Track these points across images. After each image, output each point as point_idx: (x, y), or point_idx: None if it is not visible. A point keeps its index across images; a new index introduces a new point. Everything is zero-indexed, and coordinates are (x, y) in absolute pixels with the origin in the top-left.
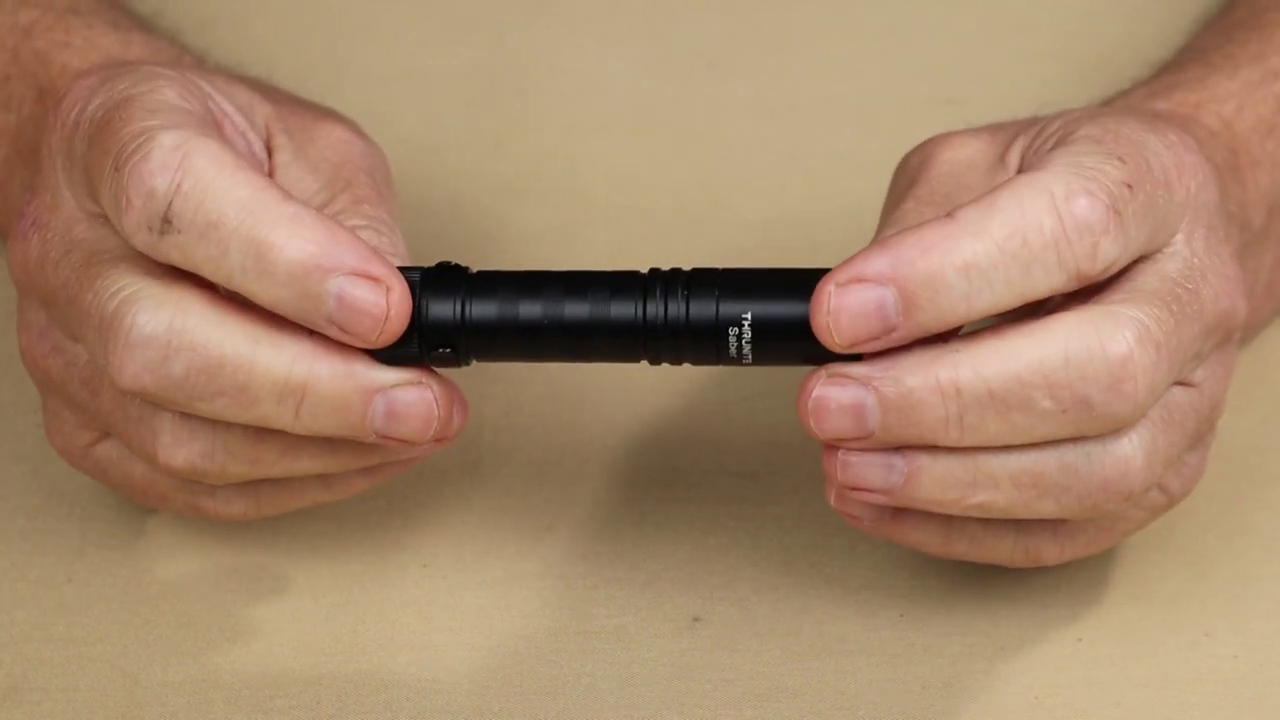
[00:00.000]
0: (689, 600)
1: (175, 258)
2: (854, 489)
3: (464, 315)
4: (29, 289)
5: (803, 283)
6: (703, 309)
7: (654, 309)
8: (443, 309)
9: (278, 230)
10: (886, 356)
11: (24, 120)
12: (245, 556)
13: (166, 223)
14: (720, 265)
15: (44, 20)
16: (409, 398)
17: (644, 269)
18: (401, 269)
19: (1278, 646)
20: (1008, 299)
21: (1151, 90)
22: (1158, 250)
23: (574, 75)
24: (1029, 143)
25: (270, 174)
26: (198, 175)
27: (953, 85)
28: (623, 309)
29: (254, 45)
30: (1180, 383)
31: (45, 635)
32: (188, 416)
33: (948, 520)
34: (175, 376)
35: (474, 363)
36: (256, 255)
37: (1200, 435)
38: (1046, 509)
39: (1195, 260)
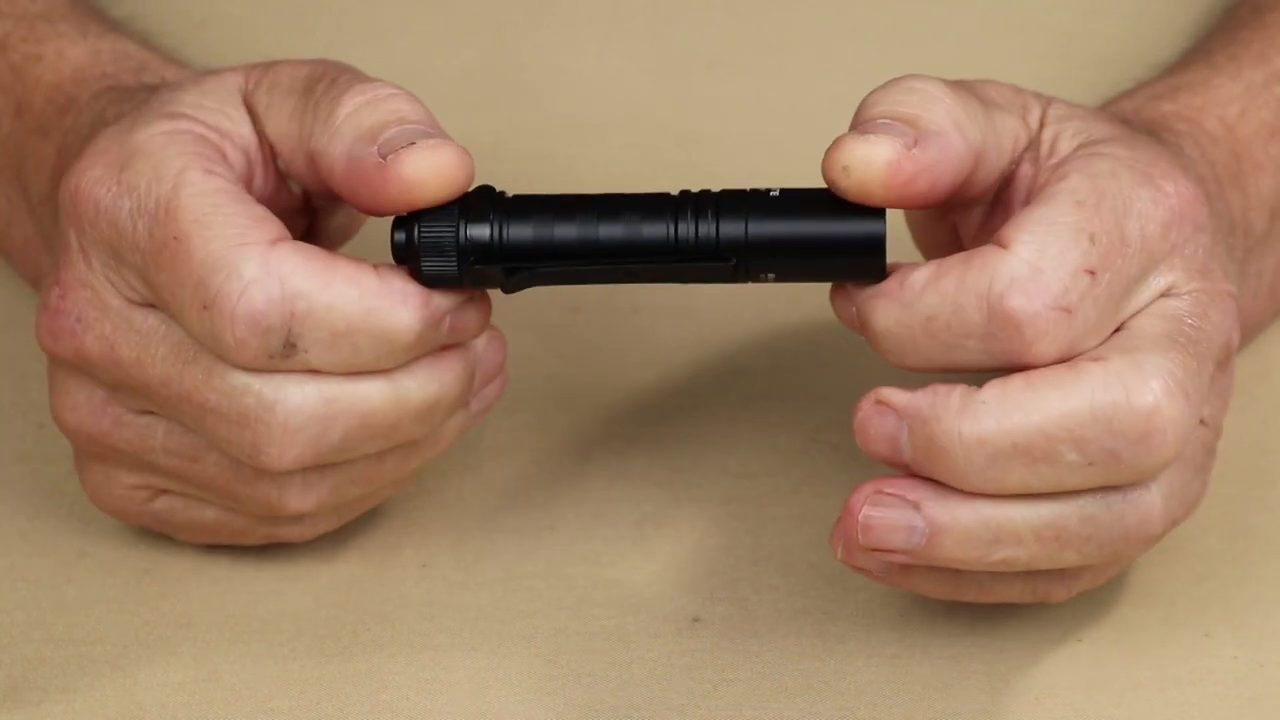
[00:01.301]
0: (689, 601)
1: (299, 368)
2: (875, 550)
3: (501, 238)
4: (84, 374)
5: (828, 202)
6: (732, 228)
7: (685, 229)
8: (480, 231)
9: (396, 313)
10: (922, 393)
11: (4, 137)
12: (245, 558)
13: (290, 347)
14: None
15: (17, 31)
16: (493, 349)
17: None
18: (439, 209)
19: (1278, 647)
20: (927, 367)
21: (1155, 92)
22: (1162, 294)
23: (574, 75)
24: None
25: (265, 138)
26: (305, 296)
27: None
28: (654, 229)
29: (253, 45)
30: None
31: (45, 635)
32: (312, 471)
33: (957, 571)
34: (335, 442)
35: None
36: (387, 343)
37: (1203, 459)
38: (1069, 559)
39: (1198, 304)
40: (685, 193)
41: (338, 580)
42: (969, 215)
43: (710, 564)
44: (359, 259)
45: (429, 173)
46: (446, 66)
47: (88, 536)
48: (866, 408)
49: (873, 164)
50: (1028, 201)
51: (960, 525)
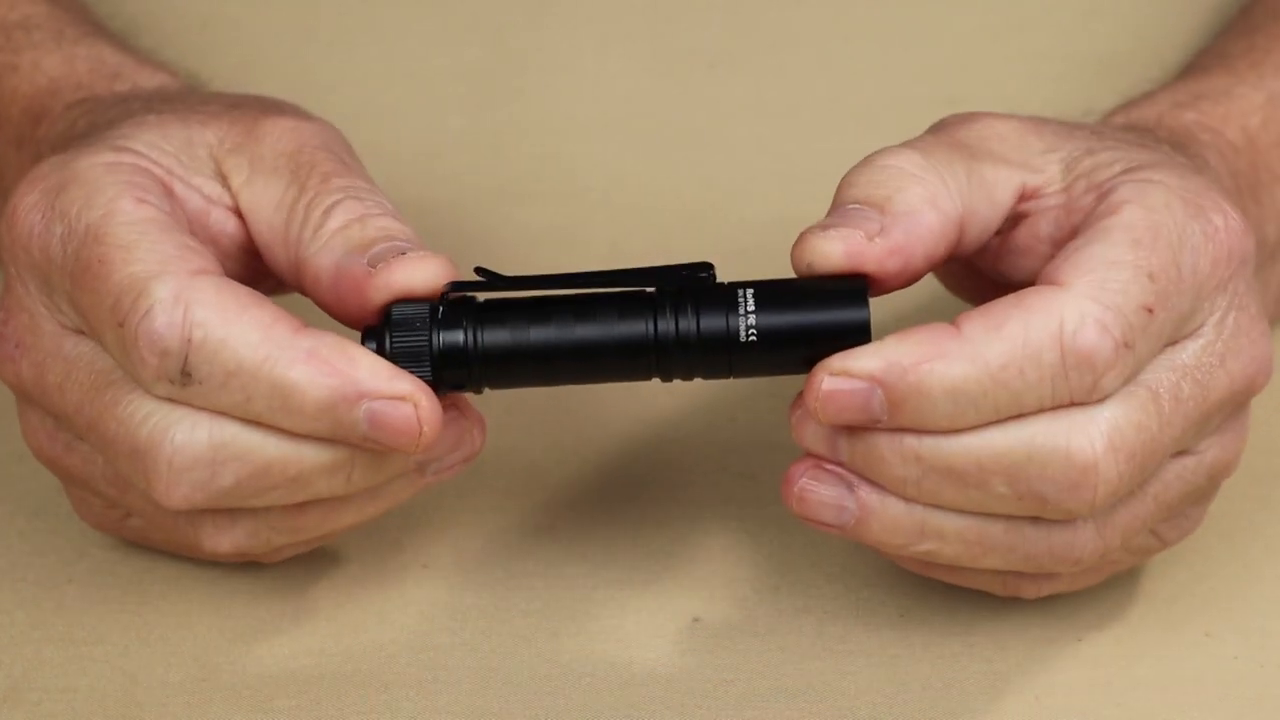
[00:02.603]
0: (689, 601)
1: (199, 404)
2: (809, 520)
3: (476, 344)
4: (30, 401)
5: (808, 293)
6: (713, 322)
7: (665, 325)
8: (454, 338)
9: (296, 368)
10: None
11: None
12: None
13: (186, 375)
14: (718, 265)
15: None
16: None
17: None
18: (411, 302)
19: (1278, 646)
20: (992, 418)
21: (1178, 99)
22: (1184, 338)
23: (574, 76)
24: (1073, 160)
25: (234, 201)
26: (206, 326)
27: (953, 85)
28: (632, 328)
29: (252, 46)
30: (1174, 455)
31: (45, 635)
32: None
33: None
34: (226, 488)
35: (487, 391)
36: (282, 397)
37: (1199, 496)
38: (992, 563)
39: (1219, 344)
40: (662, 290)
41: (338, 580)
42: (983, 251)
43: (710, 564)
44: (291, 315)
45: (417, 280)
46: (447, 66)
47: (88, 536)
48: (805, 466)
49: (831, 258)
50: (1074, 234)
51: (889, 514)
